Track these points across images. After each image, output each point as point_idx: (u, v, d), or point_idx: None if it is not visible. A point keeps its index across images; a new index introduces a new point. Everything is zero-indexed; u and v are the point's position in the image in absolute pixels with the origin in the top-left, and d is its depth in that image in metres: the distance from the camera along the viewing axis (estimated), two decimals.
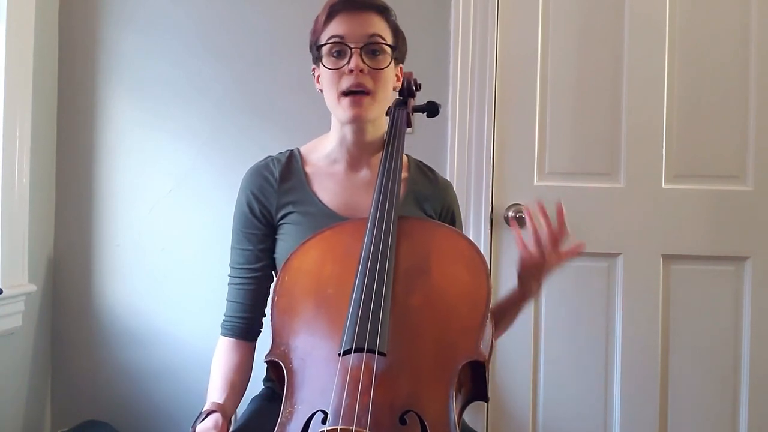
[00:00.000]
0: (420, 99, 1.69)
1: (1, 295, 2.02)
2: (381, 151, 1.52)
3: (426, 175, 1.61)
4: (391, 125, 1.54)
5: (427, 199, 1.57)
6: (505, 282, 2.29)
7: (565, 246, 1.46)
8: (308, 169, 1.56)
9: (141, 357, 2.32)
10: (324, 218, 1.47)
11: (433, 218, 1.56)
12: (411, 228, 1.39)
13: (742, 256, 2.30)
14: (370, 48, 1.45)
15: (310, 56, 1.54)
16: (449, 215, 1.60)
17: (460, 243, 1.39)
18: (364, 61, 1.43)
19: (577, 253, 1.48)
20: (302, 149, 1.60)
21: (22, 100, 2.13)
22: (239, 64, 2.32)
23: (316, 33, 1.49)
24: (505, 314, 1.55)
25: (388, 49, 1.47)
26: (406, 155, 1.60)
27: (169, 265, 2.32)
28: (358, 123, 1.48)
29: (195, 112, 2.31)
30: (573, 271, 2.30)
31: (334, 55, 1.45)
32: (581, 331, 2.30)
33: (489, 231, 2.29)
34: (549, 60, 2.33)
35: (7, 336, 2.12)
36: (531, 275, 1.48)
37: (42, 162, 2.27)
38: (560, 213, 1.45)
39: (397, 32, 1.51)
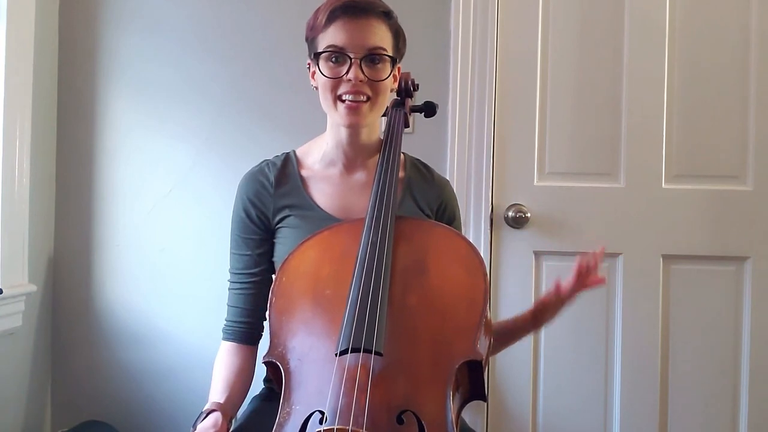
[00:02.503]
0: (419, 99, 1.69)
1: (1, 295, 2.02)
2: (377, 153, 1.52)
3: (422, 173, 1.61)
4: (389, 126, 1.54)
5: (423, 197, 1.57)
6: (505, 282, 2.30)
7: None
8: (304, 172, 1.55)
9: (141, 357, 2.32)
10: (320, 221, 1.47)
11: (430, 216, 1.56)
12: (408, 228, 1.39)
13: (742, 256, 2.29)
14: (370, 57, 1.42)
15: (308, 57, 1.52)
16: (447, 212, 1.59)
17: (457, 242, 1.39)
18: (363, 72, 1.41)
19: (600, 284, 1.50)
20: (298, 152, 1.59)
21: (22, 100, 2.13)
22: (238, 65, 2.32)
23: (314, 30, 1.46)
24: (512, 337, 1.55)
25: (389, 59, 1.45)
26: (404, 153, 1.60)
27: (168, 266, 2.33)
28: (354, 129, 1.48)
29: (194, 112, 2.32)
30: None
31: (333, 60, 1.43)
32: (581, 331, 2.30)
33: (489, 231, 2.29)
34: (549, 60, 2.33)
35: (7, 336, 2.12)
36: (552, 310, 1.49)
37: (42, 162, 2.27)
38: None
39: (398, 35, 1.49)
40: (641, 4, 2.30)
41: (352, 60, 1.41)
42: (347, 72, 1.41)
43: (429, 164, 1.65)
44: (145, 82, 2.33)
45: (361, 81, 1.41)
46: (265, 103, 2.31)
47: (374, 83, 1.43)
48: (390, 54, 1.45)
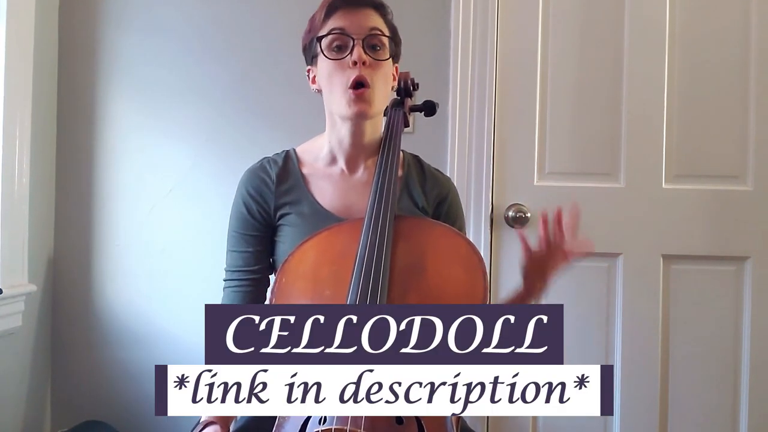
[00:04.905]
0: (419, 99, 1.69)
1: (1, 295, 2.02)
2: (378, 153, 1.53)
3: (420, 170, 1.60)
4: (388, 125, 1.54)
5: (420, 194, 1.56)
6: (506, 281, 2.29)
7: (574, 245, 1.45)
8: (305, 170, 1.55)
9: (141, 357, 2.32)
10: (321, 219, 1.47)
11: (427, 213, 1.56)
12: (408, 227, 1.38)
13: (742, 256, 2.29)
14: (371, 42, 1.44)
15: (306, 64, 1.53)
16: (448, 211, 1.58)
17: (457, 241, 1.38)
18: (366, 53, 1.43)
19: (585, 252, 1.46)
20: (298, 150, 1.59)
21: (22, 100, 2.14)
22: (238, 65, 2.32)
23: (313, 31, 1.48)
24: None
25: (387, 43, 1.47)
26: (403, 151, 1.60)
27: (169, 266, 2.33)
28: (361, 119, 1.47)
29: (194, 112, 2.32)
30: (573, 271, 2.30)
31: (335, 49, 1.44)
32: (581, 331, 2.29)
33: (489, 231, 2.29)
34: (549, 60, 2.33)
35: (7, 336, 2.12)
36: (534, 272, 1.47)
37: (42, 162, 2.27)
38: (564, 217, 1.43)
39: (394, 31, 1.51)
40: (641, 4, 2.30)
41: (355, 41, 1.42)
42: (350, 54, 1.42)
43: (429, 165, 1.65)
44: (145, 83, 2.33)
45: (365, 63, 1.41)
46: (265, 104, 2.31)
47: (377, 65, 1.44)
48: (388, 35, 1.47)
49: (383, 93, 1.48)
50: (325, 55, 1.45)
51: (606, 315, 2.30)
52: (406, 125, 1.58)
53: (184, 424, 1.44)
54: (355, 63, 1.41)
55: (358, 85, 1.42)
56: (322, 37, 1.45)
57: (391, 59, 1.48)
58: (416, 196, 1.56)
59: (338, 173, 1.54)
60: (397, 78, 1.56)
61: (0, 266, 2.06)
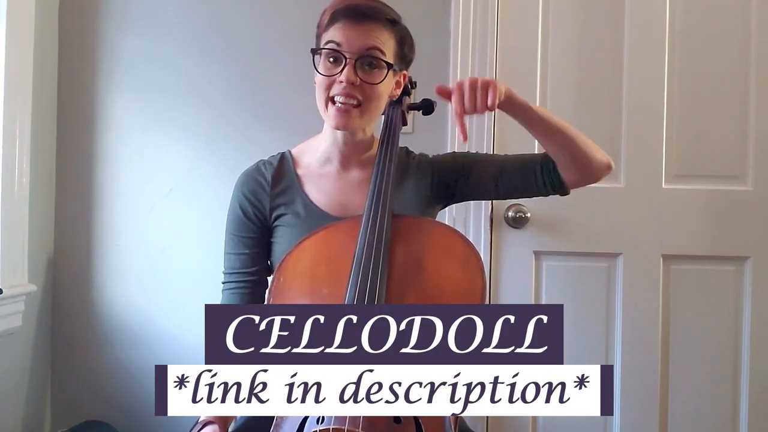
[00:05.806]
0: (418, 97, 1.70)
1: (1, 295, 2.02)
2: (372, 149, 1.54)
3: (406, 164, 1.60)
4: (386, 124, 1.54)
5: (410, 188, 1.56)
6: (505, 282, 2.30)
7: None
8: (300, 171, 1.56)
9: (141, 357, 2.32)
10: (317, 219, 1.47)
11: (431, 199, 1.56)
12: (405, 226, 1.39)
13: (742, 256, 2.29)
14: (367, 60, 1.43)
15: (306, 58, 1.52)
16: (447, 173, 1.57)
17: (454, 240, 1.38)
18: (357, 73, 1.41)
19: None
20: (293, 151, 1.60)
21: (22, 100, 2.14)
22: (237, 66, 2.32)
23: (319, 29, 1.48)
24: (543, 132, 1.55)
25: (386, 64, 1.44)
26: (399, 148, 1.59)
27: (169, 266, 2.33)
28: (344, 130, 1.48)
29: (194, 113, 2.32)
30: (573, 271, 2.32)
31: (330, 61, 1.44)
32: (581, 331, 2.30)
33: (489, 231, 2.29)
34: (549, 60, 2.32)
35: (7, 336, 2.12)
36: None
37: (42, 162, 2.27)
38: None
39: (402, 42, 1.49)
40: (641, 3, 2.30)
41: (347, 60, 1.41)
42: (340, 72, 1.41)
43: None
44: (144, 83, 2.33)
45: (352, 83, 1.41)
46: (265, 104, 2.31)
47: (366, 88, 1.43)
48: (387, 60, 1.45)
49: (373, 109, 1.47)
50: (316, 67, 1.45)
51: (606, 315, 2.30)
52: (404, 123, 1.58)
53: (184, 424, 1.44)
54: (341, 82, 1.41)
55: (344, 101, 1.42)
56: (318, 49, 1.45)
57: (390, 74, 1.46)
58: (413, 186, 1.56)
59: (333, 172, 1.54)
60: (402, 85, 1.55)
61: (0, 266, 2.06)
